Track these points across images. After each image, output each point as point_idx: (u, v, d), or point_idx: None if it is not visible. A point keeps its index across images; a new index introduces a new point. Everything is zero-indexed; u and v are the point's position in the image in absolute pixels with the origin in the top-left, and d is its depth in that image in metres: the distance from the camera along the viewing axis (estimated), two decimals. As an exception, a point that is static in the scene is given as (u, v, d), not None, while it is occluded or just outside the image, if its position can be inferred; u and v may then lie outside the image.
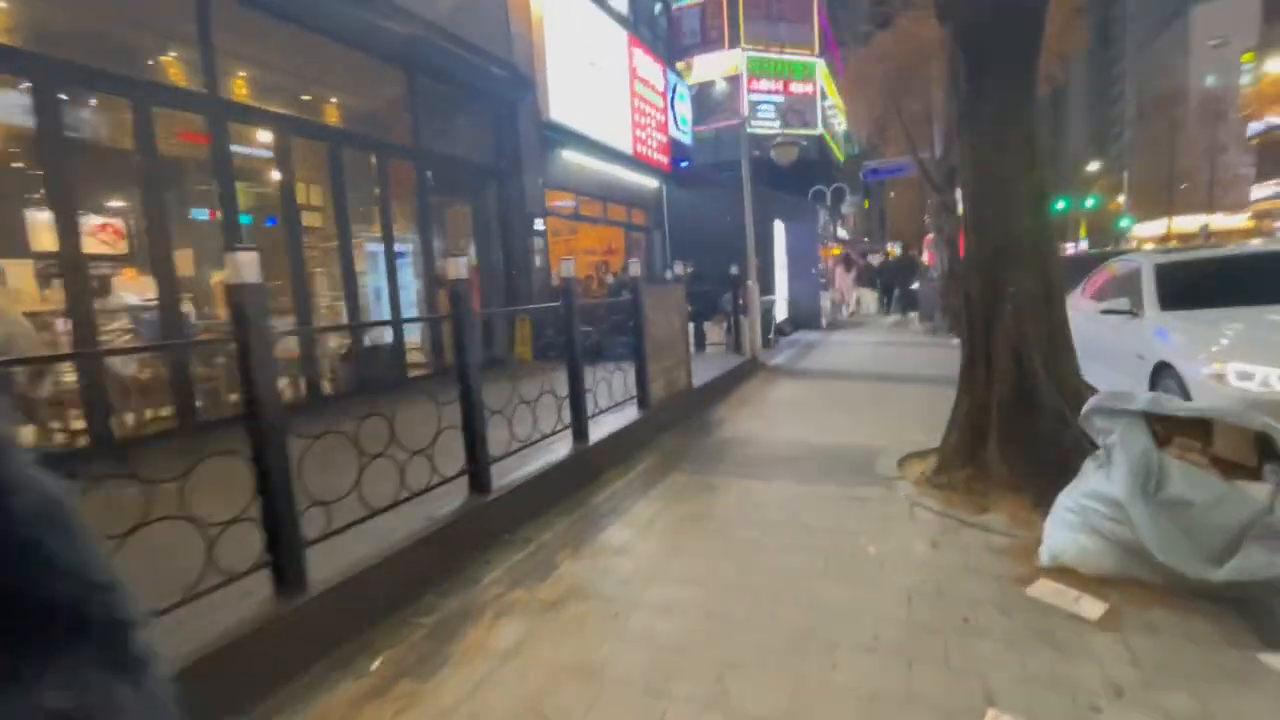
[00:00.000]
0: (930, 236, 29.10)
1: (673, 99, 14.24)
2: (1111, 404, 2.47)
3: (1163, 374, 4.15)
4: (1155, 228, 48.87)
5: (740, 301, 8.33)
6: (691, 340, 8.96)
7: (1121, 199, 54.36)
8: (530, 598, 2.55)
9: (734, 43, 24.03)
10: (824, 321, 13.69)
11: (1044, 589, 2.41)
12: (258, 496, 2.02)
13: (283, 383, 5.67)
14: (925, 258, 27.60)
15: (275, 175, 5.88)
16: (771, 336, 11.24)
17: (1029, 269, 3.25)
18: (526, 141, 8.95)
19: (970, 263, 3.50)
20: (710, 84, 23.38)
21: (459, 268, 2.93)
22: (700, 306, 9.53)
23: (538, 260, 9.23)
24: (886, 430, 4.88)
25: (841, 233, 29.22)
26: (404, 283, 8.40)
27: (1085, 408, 2.60)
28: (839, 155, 29.95)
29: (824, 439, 4.69)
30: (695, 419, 5.53)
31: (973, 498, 3.32)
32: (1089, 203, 46.61)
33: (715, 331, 8.55)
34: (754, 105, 24.03)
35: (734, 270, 8.15)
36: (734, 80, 23.92)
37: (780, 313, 12.38)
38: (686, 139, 15.69)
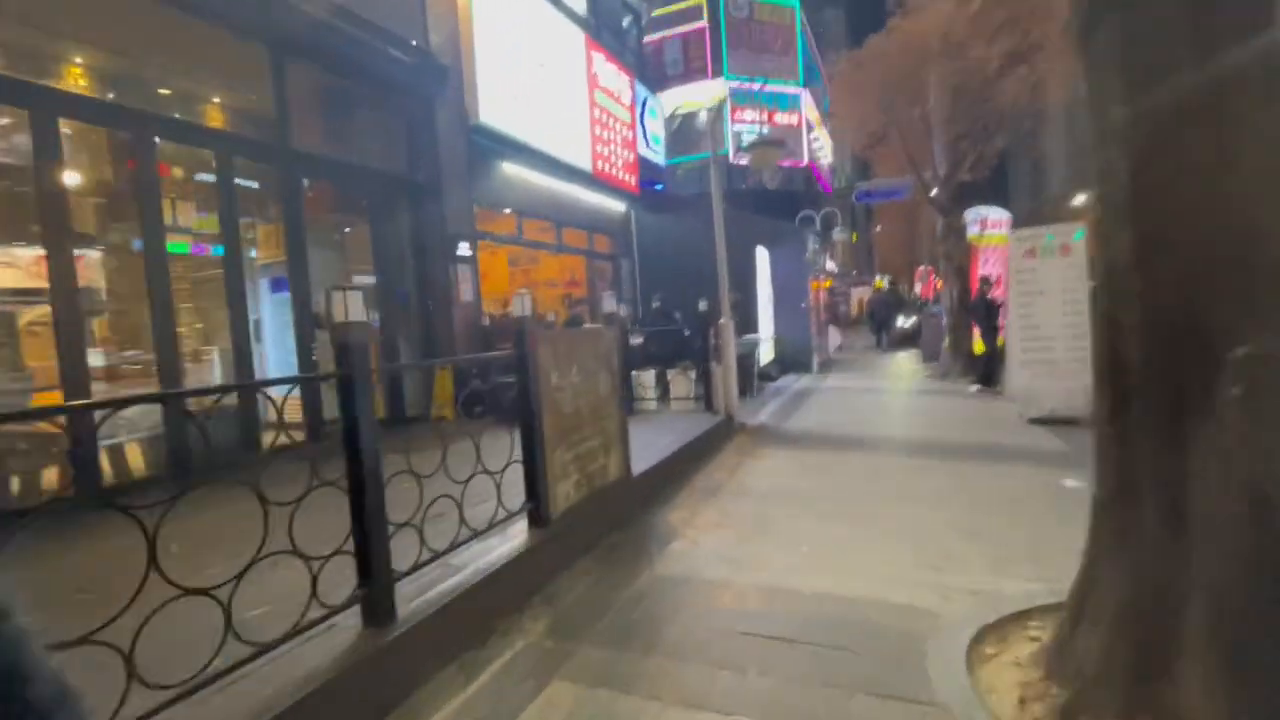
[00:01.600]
0: (921, 268, 27.97)
1: (642, 114, 12.77)
2: None
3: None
4: (1144, 260, 48.15)
5: (712, 343, 6.57)
6: (655, 394, 7.22)
7: (1109, 231, 53.93)
8: None
9: (717, 73, 23.13)
10: (815, 363, 11.96)
11: None
12: None
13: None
14: (918, 290, 26.34)
15: (38, 174, 4.09)
16: (755, 382, 9.48)
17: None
18: (448, 148, 7.28)
19: (1118, 295, 1.74)
20: (693, 115, 22.33)
21: None
22: (667, 350, 7.79)
23: (465, 293, 7.47)
24: (926, 556, 3.07)
25: (830, 265, 27.96)
26: (274, 323, 6.61)
27: None
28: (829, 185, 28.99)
29: (830, 583, 2.85)
30: (630, 533, 3.67)
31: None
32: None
33: (682, 382, 6.79)
34: (738, 135, 22.95)
35: (703, 305, 6.41)
36: (716, 110, 22.93)
37: (765, 353, 10.65)
38: (659, 159, 14.21)
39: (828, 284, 22.36)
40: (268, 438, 5.52)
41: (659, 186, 14.14)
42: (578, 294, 12.15)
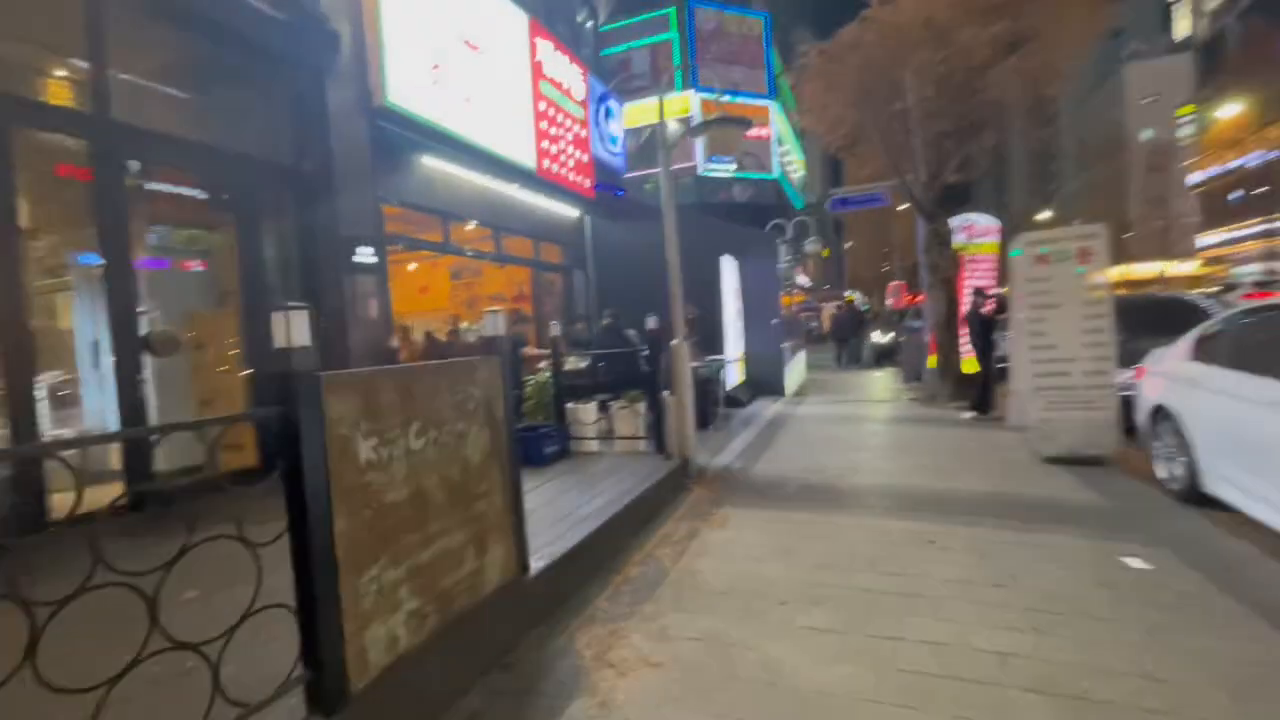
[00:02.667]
0: (893, 284, 27.34)
1: (598, 113, 11.61)
2: None
3: None
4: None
5: (665, 368, 5.35)
6: (597, 432, 5.90)
7: (1073, 247, 54.59)
8: None
9: (687, 85, 22.34)
10: (788, 386, 10.82)
11: None
12: None
13: None
14: (889, 304, 25.63)
15: None
16: (720, 409, 8.29)
17: None
18: (345, 134, 5.96)
19: None
20: (662, 127, 21.36)
21: None
22: (619, 375, 6.53)
23: (369, 308, 6.14)
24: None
25: (803, 279, 27.18)
26: (91, 350, 5.18)
27: None
28: (796, 201, 28.45)
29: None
30: (512, 676, 2.37)
31: None
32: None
33: (628, 417, 5.54)
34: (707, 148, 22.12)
35: (652, 322, 5.19)
36: (685, 121, 22.15)
37: (733, 376, 9.47)
38: (619, 162, 13.04)
39: (800, 299, 21.49)
40: (66, 501, 4.11)
41: (620, 192, 12.97)
42: (526, 309, 10.87)
